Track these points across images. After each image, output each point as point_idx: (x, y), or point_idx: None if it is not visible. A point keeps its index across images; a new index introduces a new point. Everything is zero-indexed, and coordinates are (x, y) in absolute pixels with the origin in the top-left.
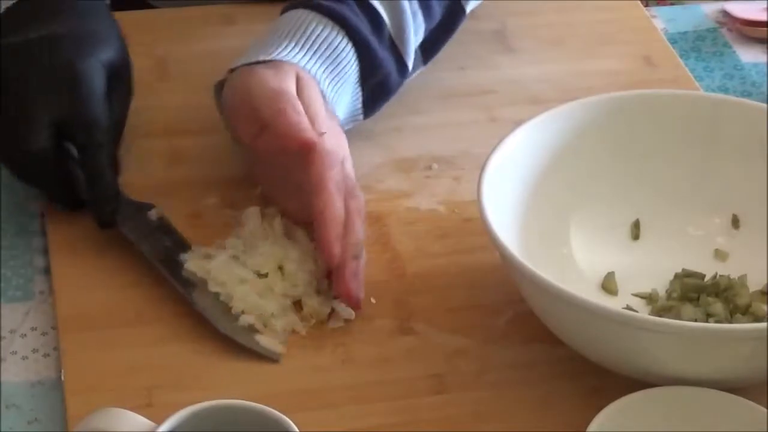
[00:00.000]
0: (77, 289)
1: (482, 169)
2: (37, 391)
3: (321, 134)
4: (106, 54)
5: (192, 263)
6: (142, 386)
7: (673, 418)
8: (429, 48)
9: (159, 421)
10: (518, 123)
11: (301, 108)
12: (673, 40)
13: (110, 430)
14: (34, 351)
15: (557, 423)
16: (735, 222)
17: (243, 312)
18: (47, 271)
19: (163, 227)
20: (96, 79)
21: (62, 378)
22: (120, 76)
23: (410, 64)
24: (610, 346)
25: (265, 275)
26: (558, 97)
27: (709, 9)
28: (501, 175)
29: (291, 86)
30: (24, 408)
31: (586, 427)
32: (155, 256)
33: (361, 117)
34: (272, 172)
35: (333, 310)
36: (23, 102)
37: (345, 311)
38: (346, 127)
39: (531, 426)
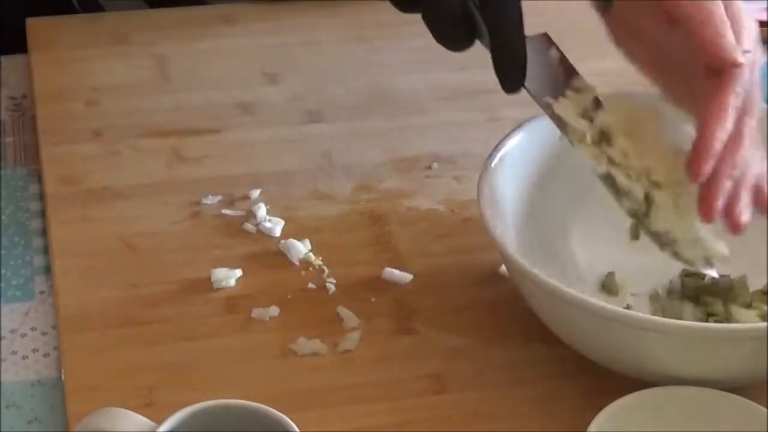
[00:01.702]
0: (77, 289)
1: (482, 169)
2: (37, 391)
3: (745, 53)
4: None
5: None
6: (142, 386)
7: (673, 418)
8: None
9: (159, 421)
10: (518, 123)
11: (725, 19)
12: None
13: (110, 430)
14: (34, 351)
15: (557, 423)
16: None
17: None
18: (47, 271)
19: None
20: None
21: (62, 378)
22: None
23: None
24: (610, 346)
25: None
26: None
27: None
28: (501, 175)
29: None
30: (24, 408)
31: (586, 427)
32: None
33: None
34: (661, 48)
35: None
36: None
37: (351, 318)
38: None
39: (531, 426)
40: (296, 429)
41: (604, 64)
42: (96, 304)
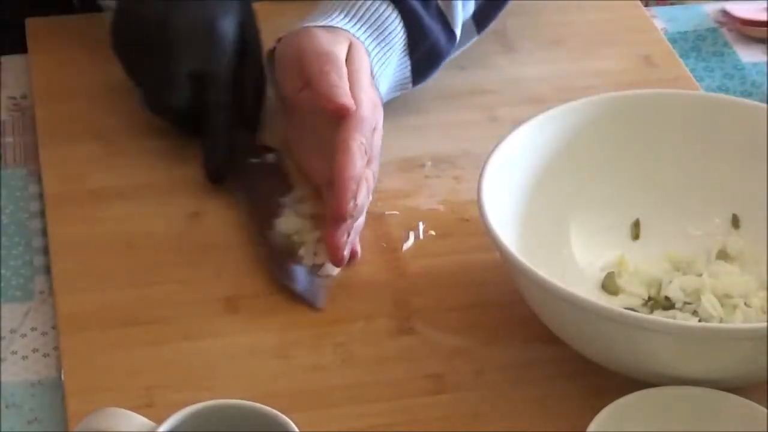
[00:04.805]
0: (77, 289)
1: (482, 169)
2: (37, 391)
3: (355, 105)
4: (239, 16)
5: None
6: (142, 386)
7: (673, 418)
8: (482, 19)
9: (159, 421)
10: (518, 123)
11: (344, 73)
12: (673, 40)
13: (110, 430)
14: (34, 351)
15: (557, 423)
16: (735, 222)
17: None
18: (47, 271)
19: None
20: (227, 38)
21: (62, 378)
22: (251, 39)
23: (458, 33)
24: (610, 346)
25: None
26: (558, 97)
27: (709, 9)
28: (501, 175)
29: (341, 51)
30: (24, 408)
31: (586, 427)
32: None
33: (410, 85)
34: (302, 129)
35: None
36: (164, 57)
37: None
38: (394, 95)
39: (531, 426)
40: (296, 429)
41: (604, 64)
42: (96, 304)
